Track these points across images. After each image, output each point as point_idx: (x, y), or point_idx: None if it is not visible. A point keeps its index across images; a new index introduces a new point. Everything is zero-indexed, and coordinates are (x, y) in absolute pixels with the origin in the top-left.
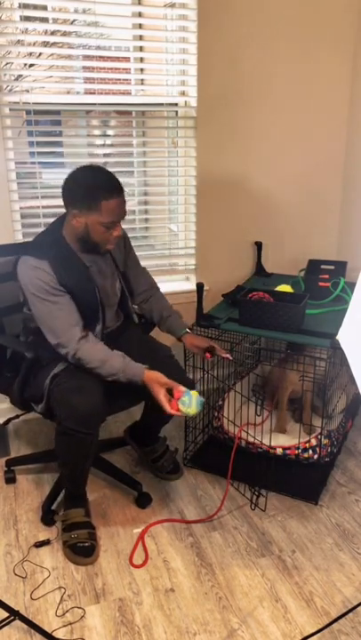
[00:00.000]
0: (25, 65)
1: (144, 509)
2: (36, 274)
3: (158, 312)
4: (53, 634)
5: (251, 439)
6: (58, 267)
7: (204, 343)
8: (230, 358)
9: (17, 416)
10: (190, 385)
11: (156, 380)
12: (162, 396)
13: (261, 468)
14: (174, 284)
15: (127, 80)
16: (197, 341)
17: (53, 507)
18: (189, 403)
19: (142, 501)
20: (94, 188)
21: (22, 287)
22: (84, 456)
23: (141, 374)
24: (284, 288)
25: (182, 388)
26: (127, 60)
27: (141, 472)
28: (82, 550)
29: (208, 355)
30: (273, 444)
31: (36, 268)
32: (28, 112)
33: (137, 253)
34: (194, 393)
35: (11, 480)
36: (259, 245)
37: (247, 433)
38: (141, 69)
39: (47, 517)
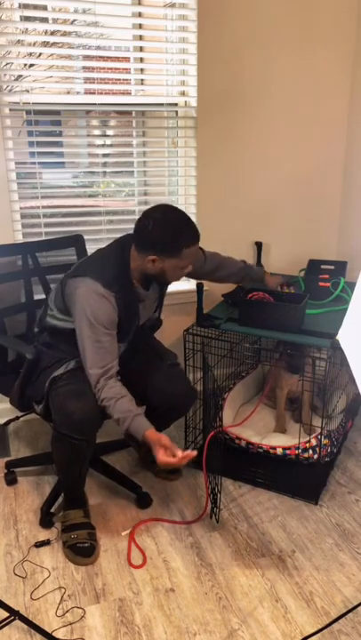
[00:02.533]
0: (25, 65)
1: (144, 510)
2: (102, 304)
3: (233, 278)
4: (53, 634)
5: (253, 440)
6: (120, 302)
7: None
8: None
9: (17, 417)
10: (193, 396)
11: (157, 440)
12: (161, 455)
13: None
14: (174, 283)
15: (127, 80)
16: (273, 282)
17: (52, 509)
18: None
19: (142, 502)
20: (178, 236)
21: (74, 304)
22: (79, 461)
23: (144, 429)
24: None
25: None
26: (127, 60)
27: (141, 472)
28: (82, 550)
29: (283, 286)
30: (273, 443)
31: (103, 297)
32: (28, 112)
33: None
34: None
35: (12, 481)
36: (259, 245)
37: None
38: (141, 69)
39: (46, 520)
